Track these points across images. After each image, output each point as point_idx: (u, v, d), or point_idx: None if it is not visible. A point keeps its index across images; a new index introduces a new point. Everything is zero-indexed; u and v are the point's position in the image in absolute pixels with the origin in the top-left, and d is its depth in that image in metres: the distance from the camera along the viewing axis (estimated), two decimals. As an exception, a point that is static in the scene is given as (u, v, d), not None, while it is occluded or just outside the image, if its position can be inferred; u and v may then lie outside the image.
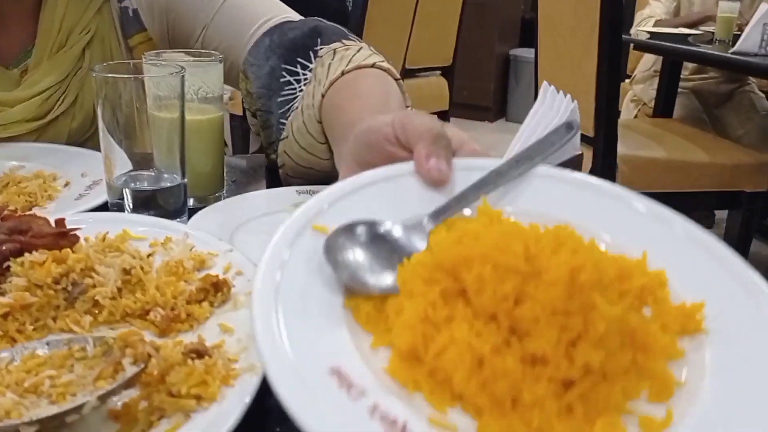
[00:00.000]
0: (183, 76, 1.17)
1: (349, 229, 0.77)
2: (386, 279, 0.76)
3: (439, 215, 0.82)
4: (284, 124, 1.41)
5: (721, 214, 4.41)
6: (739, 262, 0.80)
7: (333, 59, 1.33)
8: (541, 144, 0.92)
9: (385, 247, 0.78)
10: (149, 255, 1.00)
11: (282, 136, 1.41)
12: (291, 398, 0.61)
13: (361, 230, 0.77)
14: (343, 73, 1.26)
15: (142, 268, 0.94)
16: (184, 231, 1.07)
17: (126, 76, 1.16)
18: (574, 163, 1.03)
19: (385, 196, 0.85)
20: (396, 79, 1.30)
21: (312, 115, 1.31)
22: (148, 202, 1.20)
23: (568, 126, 0.95)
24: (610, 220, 0.85)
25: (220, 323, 0.89)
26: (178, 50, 1.41)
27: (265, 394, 0.55)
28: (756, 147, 3.84)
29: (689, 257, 0.81)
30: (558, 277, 0.67)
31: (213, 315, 0.91)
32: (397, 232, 0.79)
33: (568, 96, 1.23)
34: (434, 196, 0.85)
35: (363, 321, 0.72)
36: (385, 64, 1.31)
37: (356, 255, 0.76)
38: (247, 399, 0.74)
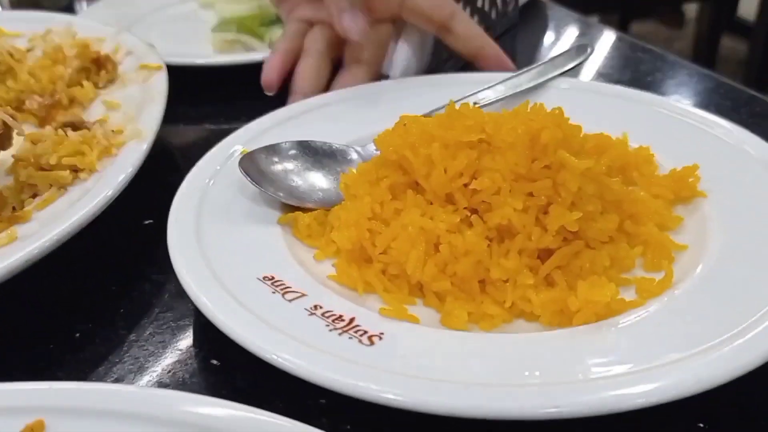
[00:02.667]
0: None
1: (273, 147, 0.67)
2: (324, 188, 0.66)
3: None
4: None
5: (691, 13, 4.15)
6: (729, 128, 0.70)
7: None
8: (551, 63, 0.84)
9: (322, 160, 0.68)
10: (29, 50, 0.91)
11: None
12: (209, 303, 0.50)
13: (289, 146, 0.68)
14: None
15: (12, 56, 0.84)
16: (67, 20, 0.97)
17: None
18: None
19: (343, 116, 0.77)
20: None
21: None
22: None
23: (580, 48, 0.87)
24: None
25: (104, 100, 0.81)
26: None
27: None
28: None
29: (677, 134, 0.71)
30: (516, 141, 0.57)
31: (99, 97, 0.83)
32: (336, 147, 0.70)
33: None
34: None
35: (303, 235, 0.62)
36: None
37: (285, 168, 0.66)
38: (131, 168, 0.65)
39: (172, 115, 0.92)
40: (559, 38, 1.18)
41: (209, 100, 0.98)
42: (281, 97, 0.80)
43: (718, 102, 0.91)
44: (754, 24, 3.11)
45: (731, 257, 0.55)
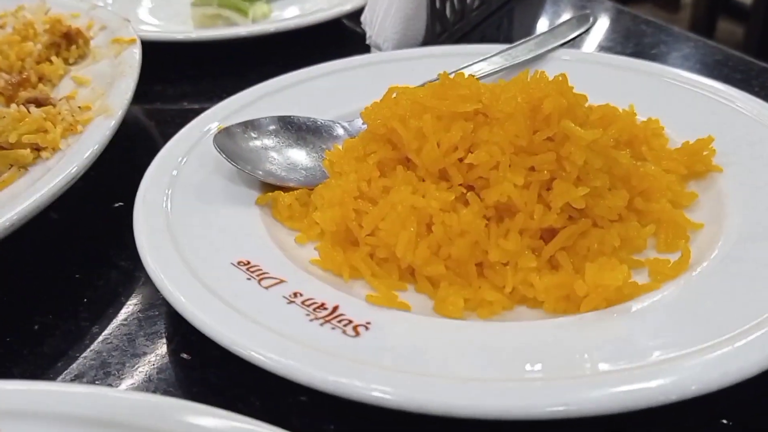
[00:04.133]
0: None
1: (252, 122, 0.62)
2: (307, 166, 0.61)
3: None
4: None
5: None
6: (739, 97, 0.65)
7: None
8: (550, 33, 0.78)
9: (305, 137, 0.63)
10: (-1, 27, 0.84)
11: None
12: (176, 291, 0.45)
13: (269, 121, 0.62)
14: None
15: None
16: None
17: None
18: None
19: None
20: None
21: None
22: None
23: (582, 18, 0.81)
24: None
25: (74, 76, 0.76)
26: None
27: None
28: None
29: (689, 107, 0.66)
30: (515, 111, 0.52)
31: (70, 73, 0.78)
32: (321, 122, 0.65)
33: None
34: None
35: (284, 217, 0.57)
36: None
37: (265, 145, 0.61)
38: (97, 145, 0.60)
39: (149, 93, 0.87)
40: (559, 11, 1.12)
41: (189, 78, 0.93)
42: (265, 73, 0.74)
43: (728, 74, 0.86)
44: (750, 7, 3.05)
45: (752, 235, 0.50)
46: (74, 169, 0.58)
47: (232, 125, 0.61)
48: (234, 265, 0.49)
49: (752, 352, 0.39)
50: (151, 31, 0.95)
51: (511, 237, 0.49)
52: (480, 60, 0.74)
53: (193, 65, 0.94)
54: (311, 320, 0.44)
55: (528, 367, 0.40)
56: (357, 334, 0.43)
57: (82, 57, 0.83)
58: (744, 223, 0.52)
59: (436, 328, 0.44)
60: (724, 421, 0.42)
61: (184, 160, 0.60)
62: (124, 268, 0.58)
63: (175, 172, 0.58)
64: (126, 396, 0.36)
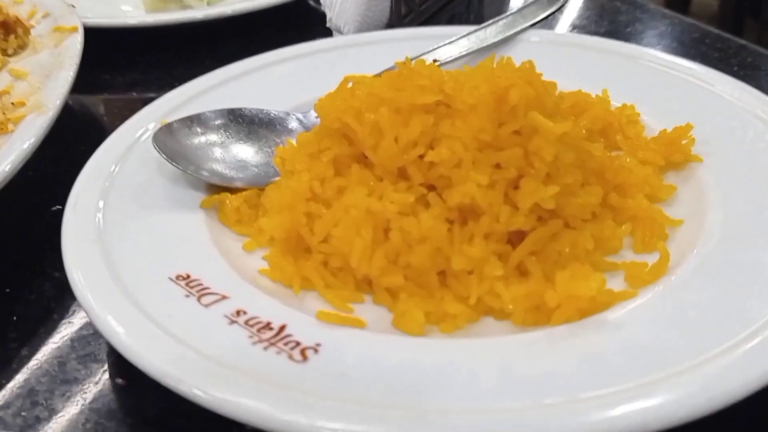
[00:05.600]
0: None
1: (196, 117, 0.57)
2: (259, 164, 0.56)
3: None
4: None
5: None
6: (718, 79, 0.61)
7: None
8: (520, 13, 0.74)
9: (257, 131, 0.58)
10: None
11: None
12: (101, 310, 0.41)
13: (215, 115, 0.58)
14: None
15: None
16: None
17: None
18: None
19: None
20: None
21: None
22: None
23: None
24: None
25: (11, 69, 0.71)
26: None
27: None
28: None
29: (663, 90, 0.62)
30: (479, 102, 0.47)
31: (8, 65, 0.73)
32: (274, 114, 0.60)
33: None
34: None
35: (232, 221, 0.52)
36: None
37: (210, 141, 0.56)
38: (27, 145, 0.56)
39: (95, 83, 0.82)
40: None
41: (139, 66, 0.87)
42: (222, 60, 0.69)
43: (705, 53, 0.82)
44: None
45: (735, 232, 0.46)
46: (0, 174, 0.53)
47: (175, 121, 0.56)
48: (172, 280, 0.44)
49: (738, 374, 0.35)
50: (99, 17, 0.90)
51: (475, 242, 0.45)
52: (445, 44, 0.70)
53: (145, 52, 0.89)
54: (254, 343, 0.40)
55: (492, 396, 0.36)
56: (305, 358, 0.39)
57: (21, 47, 0.77)
58: (726, 219, 0.48)
59: (392, 349, 0.40)
60: (709, 442, 0.39)
61: (123, 161, 0.55)
62: (58, 280, 0.53)
63: (112, 174, 0.53)
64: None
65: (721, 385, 0.34)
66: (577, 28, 0.91)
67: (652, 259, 0.46)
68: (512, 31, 0.72)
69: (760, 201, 0.48)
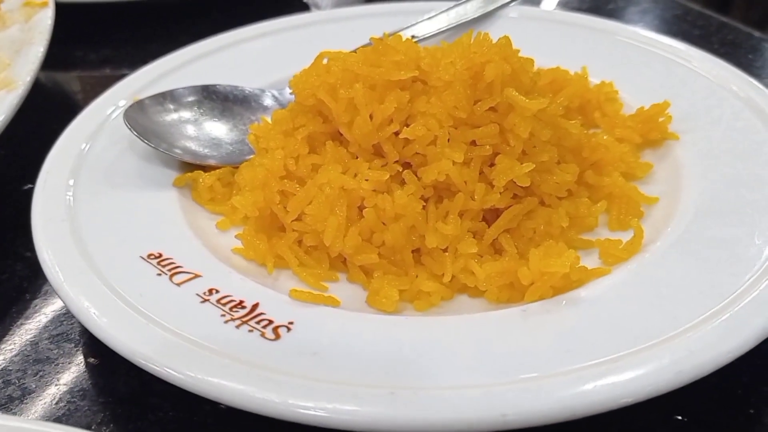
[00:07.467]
0: None
1: (169, 93, 0.56)
2: (233, 141, 0.56)
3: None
4: None
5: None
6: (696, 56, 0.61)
7: None
8: None
9: (231, 108, 0.58)
10: None
11: None
12: (71, 289, 0.40)
13: (188, 91, 0.57)
14: None
15: None
16: None
17: None
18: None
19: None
20: None
21: None
22: None
23: None
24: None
25: None
26: None
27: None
28: None
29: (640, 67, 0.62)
30: (455, 78, 0.47)
31: None
32: (249, 91, 0.59)
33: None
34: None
35: (205, 200, 0.52)
36: None
37: (182, 118, 0.55)
38: None
39: (67, 59, 0.81)
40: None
41: (112, 42, 0.86)
42: (197, 35, 0.68)
43: (686, 30, 0.82)
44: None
45: (710, 210, 0.47)
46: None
47: (146, 98, 0.55)
48: (144, 258, 0.44)
49: (707, 349, 0.35)
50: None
51: (450, 220, 0.45)
52: (424, 19, 0.69)
53: (117, 28, 0.87)
54: (226, 321, 0.39)
55: (466, 373, 0.36)
56: (277, 336, 0.38)
57: None
58: (701, 197, 0.48)
59: (366, 327, 0.40)
60: (679, 417, 0.39)
61: (93, 138, 0.54)
62: (30, 260, 0.52)
63: (82, 152, 0.53)
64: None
65: (690, 359, 0.35)
66: (560, 4, 0.91)
67: (627, 236, 0.46)
68: (492, 7, 0.71)
69: (736, 178, 0.49)
